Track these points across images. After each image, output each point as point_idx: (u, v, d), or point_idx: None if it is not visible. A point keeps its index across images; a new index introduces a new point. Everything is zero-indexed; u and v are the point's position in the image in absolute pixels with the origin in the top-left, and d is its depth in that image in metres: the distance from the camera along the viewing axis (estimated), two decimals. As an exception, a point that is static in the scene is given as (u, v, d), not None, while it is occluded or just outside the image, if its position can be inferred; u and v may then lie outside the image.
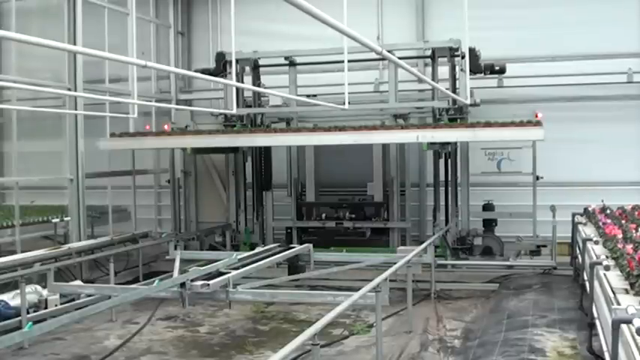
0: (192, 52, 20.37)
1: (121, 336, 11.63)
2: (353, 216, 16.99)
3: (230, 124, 16.58)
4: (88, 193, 15.70)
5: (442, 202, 16.49)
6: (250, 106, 16.96)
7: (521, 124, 13.75)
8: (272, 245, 14.45)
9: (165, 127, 16.74)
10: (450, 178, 16.32)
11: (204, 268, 11.20)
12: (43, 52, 12.69)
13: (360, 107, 16.68)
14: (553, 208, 15.06)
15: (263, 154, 17.62)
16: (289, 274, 13.50)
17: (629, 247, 8.14)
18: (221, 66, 16.53)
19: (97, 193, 16.96)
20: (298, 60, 16.66)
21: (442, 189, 16.51)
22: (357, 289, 8.96)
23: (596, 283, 7.94)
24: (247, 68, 16.92)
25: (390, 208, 16.87)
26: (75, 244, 14.47)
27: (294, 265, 13.89)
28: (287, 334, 11.11)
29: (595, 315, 8.02)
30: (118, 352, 10.82)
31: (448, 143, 14.95)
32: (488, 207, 16.29)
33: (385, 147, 16.77)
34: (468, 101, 13.80)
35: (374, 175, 16.90)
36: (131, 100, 11.51)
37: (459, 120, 15.01)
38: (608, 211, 12.80)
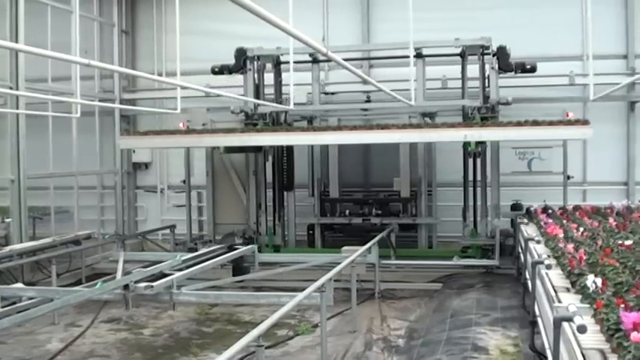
0: (136, 51, 20.24)
1: (63, 339, 11.45)
2: (379, 212, 16.75)
3: (251, 122, 16.08)
4: (29, 194, 15.47)
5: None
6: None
7: (569, 122, 13.70)
8: (216, 246, 14.38)
9: (181, 125, 16.16)
10: (478, 177, 16.18)
11: (147, 269, 11.13)
12: (-16, 50, 12.50)
13: (388, 105, 16.53)
14: (497, 208, 15.24)
15: (286, 154, 17.14)
16: (234, 276, 13.46)
17: (570, 247, 8.28)
18: (241, 62, 16.06)
19: (39, 194, 16.68)
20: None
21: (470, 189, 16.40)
22: (301, 290, 8.96)
23: (537, 282, 8.03)
24: (269, 65, 16.64)
25: (418, 204, 16.67)
26: (16, 246, 14.24)
27: (239, 266, 13.85)
28: (231, 336, 11.06)
29: (537, 313, 8.11)
30: (61, 356, 10.66)
31: (482, 142, 14.84)
32: (516, 207, 15.82)
33: (412, 145, 16.45)
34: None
35: (401, 171, 16.63)
36: (74, 99, 11.38)
37: (489, 119, 14.82)
38: (549, 211, 13.00)
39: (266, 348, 7.39)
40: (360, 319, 11.97)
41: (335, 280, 10.29)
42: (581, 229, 10.15)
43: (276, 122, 16.50)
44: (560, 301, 6.33)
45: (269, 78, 16.80)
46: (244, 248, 14.07)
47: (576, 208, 13.36)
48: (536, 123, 13.65)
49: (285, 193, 17.31)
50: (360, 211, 16.89)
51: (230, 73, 16.02)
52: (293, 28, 5.68)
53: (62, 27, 15.67)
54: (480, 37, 15.09)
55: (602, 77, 14.94)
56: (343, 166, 17.17)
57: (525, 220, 13.37)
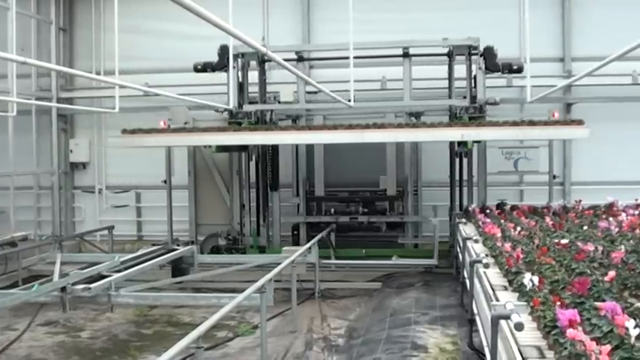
0: (74, 49, 19.94)
1: (-2, 343, 11.26)
2: (365, 210, 16.71)
3: (235, 121, 15.62)
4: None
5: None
6: (255, 102, 16.20)
7: (565, 122, 13.74)
8: (155, 247, 14.26)
9: (162, 123, 15.77)
10: (465, 177, 16.31)
11: (85, 271, 11.00)
12: None
13: (375, 105, 16.58)
14: (434, 209, 15.37)
15: (270, 153, 16.94)
16: (173, 277, 13.36)
17: (508, 246, 8.38)
18: (225, 59, 15.41)
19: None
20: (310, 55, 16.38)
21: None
22: (241, 291, 8.93)
23: (476, 281, 8.12)
24: (253, 63, 16.28)
25: (404, 203, 16.64)
26: (-50, 248, 13.96)
27: (178, 268, 13.75)
28: (171, 338, 10.94)
29: (475, 311, 8.19)
30: (-4, 360, 10.49)
31: (477, 142, 14.88)
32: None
33: (399, 143, 16.46)
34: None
35: (387, 169, 16.64)
36: (10, 97, 11.20)
37: (477, 119, 14.79)
38: (487, 211, 13.16)
39: (205, 349, 7.37)
40: (301, 319, 11.97)
41: (275, 281, 10.29)
42: (519, 228, 10.28)
43: (260, 121, 16.18)
44: (497, 300, 6.41)
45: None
46: (183, 249, 13.98)
47: (514, 207, 13.54)
48: (532, 123, 13.79)
49: (269, 192, 17.13)
50: (347, 210, 16.89)
51: (213, 70, 15.76)
52: (233, 27, 5.66)
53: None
54: (468, 38, 15.22)
55: (539, 79, 15.20)
56: (328, 165, 17.08)
57: (464, 220, 13.50)
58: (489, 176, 15.96)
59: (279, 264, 11.17)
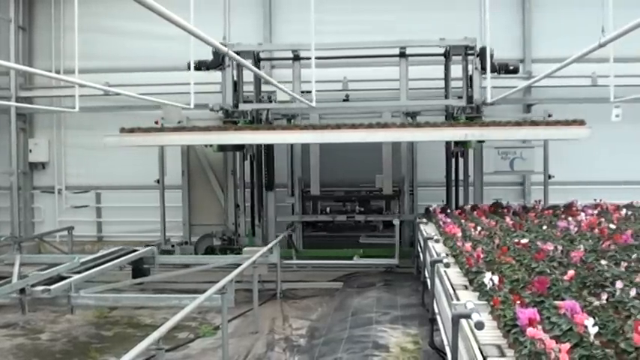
0: (34, 48, 19.70)
1: (-45, 345, 11.11)
2: (362, 209, 16.63)
3: (230, 120, 15.45)
4: None
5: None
6: (250, 102, 16.05)
7: (566, 123, 13.75)
8: (116, 248, 14.13)
9: (155, 123, 15.52)
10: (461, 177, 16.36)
11: (44, 272, 10.86)
12: None
13: (373, 104, 16.56)
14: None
15: (266, 152, 16.75)
16: (133, 278, 13.27)
17: (468, 245, 8.45)
18: (220, 58, 15.40)
19: None
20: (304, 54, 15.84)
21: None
22: (203, 292, 8.90)
23: (436, 280, 8.16)
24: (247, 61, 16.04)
25: (401, 202, 16.57)
26: None
27: (139, 268, 13.64)
28: (131, 339, 10.87)
29: (436, 311, 8.24)
30: (-47, 363, 10.35)
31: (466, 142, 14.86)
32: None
33: (395, 143, 16.36)
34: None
35: (383, 168, 16.54)
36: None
37: (474, 119, 14.86)
38: (448, 211, 13.24)
39: (166, 351, 7.32)
40: (262, 320, 11.96)
41: (237, 282, 10.26)
42: (479, 228, 10.37)
43: (255, 120, 16.00)
44: (458, 299, 6.45)
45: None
46: (144, 250, 13.88)
47: (474, 207, 13.64)
48: (534, 123, 13.90)
49: (265, 192, 16.95)
50: (343, 209, 16.81)
51: (208, 69, 15.61)
52: (194, 27, 5.64)
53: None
54: (464, 38, 15.28)
55: (500, 80, 15.32)
56: (324, 164, 16.92)
57: (425, 220, 13.57)
58: (485, 176, 16.07)
59: (240, 265, 11.14)
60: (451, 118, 15.52)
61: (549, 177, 16.32)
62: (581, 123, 13.61)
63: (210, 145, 15.56)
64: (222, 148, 15.59)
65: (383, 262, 15.59)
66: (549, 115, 15.00)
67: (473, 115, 15.08)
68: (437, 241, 10.29)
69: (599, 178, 17.46)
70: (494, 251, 8.02)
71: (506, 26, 17.41)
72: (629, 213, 12.01)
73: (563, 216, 11.75)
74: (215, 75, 15.81)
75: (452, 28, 16.54)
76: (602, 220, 10.83)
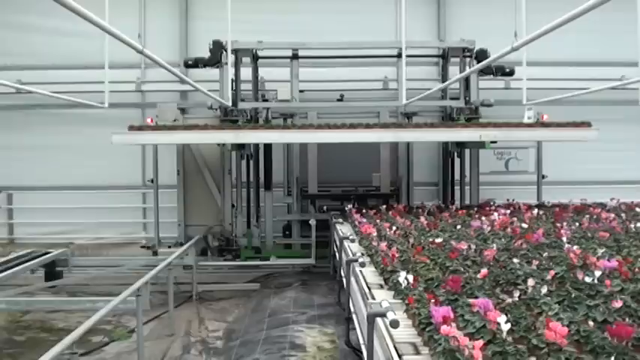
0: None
1: None
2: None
3: (229, 119, 15.01)
4: None
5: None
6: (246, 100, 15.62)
7: (575, 124, 13.75)
8: (27, 250, 13.83)
9: (149, 120, 14.95)
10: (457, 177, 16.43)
11: (-49, 276, 10.57)
12: None
13: (371, 104, 16.51)
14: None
15: (264, 151, 16.43)
16: (46, 281, 13.01)
17: (384, 245, 8.51)
18: (218, 55, 14.99)
19: None
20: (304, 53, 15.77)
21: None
22: (118, 294, 8.78)
23: (352, 280, 8.20)
24: (245, 59, 15.70)
25: (399, 201, 16.28)
26: None
27: (51, 271, 13.39)
28: (45, 344, 10.62)
29: (352, 310, 8.28)
30: None
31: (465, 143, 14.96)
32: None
33: (392, 143, 16.25)
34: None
35: (381, 167, 16.31)
36: None
37: (472, 120, 14.89)
38: (363, 211, 13.33)
39: (80, 355, 7.22)
40: (178, 322, 11.87)
41: (152, 284, 10.15)
42: (394, 227, 10.46)
43: (253, 119, 15.62)
44: (373, 298, 6.49)
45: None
46: (56, 252, 13.62)
47: (389, 207, 13.76)
48: (544, 125, 13.89)
49: (261, 192, 16.67)
50: (340, 208, 16.56)
51: (205, 66, 15.25)
52: (109, 24, 5.56)
53: None
54: (462, 40, 15.38)
55: (416, 82, 15.55)
56: (321, 163, 16.55)
57: (340, 220, 13.63)
58: (481, 176, 16.16)
59: (156, 266, 11.02)
60: (449, 119, 15.66)
61: (543, 177, 16.62)
62: (588, 125, 13.82)
63: (223, 145, 15.24)
64: (236, 146, 15.18)
65: (300, 262, 15.61)
66: (542, 117, 15.18)
67: (471, 116, 15.24)
68: (352, 240, 10.34)
69: (590, 178, 17.91)
70: (409, 250, 8.10)
71: (421, 26, 17.62)
72: (541, 212, 12.30)
73: (476, 216, 11.95)
74: (213, 72, 15.58)
75: (367, 31, 16.76)
76: (515, 219, 11.06)
